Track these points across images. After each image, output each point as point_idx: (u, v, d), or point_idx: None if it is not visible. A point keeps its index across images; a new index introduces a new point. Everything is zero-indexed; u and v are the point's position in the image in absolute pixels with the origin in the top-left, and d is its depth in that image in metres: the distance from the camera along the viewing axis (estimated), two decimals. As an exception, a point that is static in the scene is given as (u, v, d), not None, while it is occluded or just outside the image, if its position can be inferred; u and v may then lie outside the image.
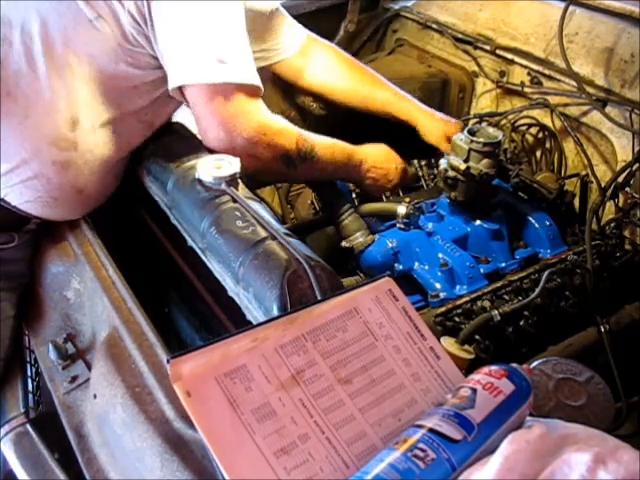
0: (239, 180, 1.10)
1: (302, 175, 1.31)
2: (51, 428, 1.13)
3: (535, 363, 0.94)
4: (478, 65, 1.73)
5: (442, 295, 1.18)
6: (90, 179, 1.20)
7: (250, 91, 1.14)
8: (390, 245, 1.25)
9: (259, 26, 1.39)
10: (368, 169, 1.37)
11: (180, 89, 1.12)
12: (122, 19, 1.09)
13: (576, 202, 1.47)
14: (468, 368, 0.92)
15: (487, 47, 1.70)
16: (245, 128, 1.14)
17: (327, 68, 1.52)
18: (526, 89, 1.60)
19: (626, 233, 1.34)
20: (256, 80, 1.13)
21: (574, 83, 1.45)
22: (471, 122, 1.66)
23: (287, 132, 1.21)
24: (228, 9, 1.10)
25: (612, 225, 1.33)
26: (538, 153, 1.60)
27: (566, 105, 1.51)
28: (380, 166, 1.39)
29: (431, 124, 1.50)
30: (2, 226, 1.19)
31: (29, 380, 1.26)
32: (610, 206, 1.37)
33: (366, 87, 1.53)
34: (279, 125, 1.20)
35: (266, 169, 1.25)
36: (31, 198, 1.16)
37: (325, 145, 1.27)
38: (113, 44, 1.11)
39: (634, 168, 1.31)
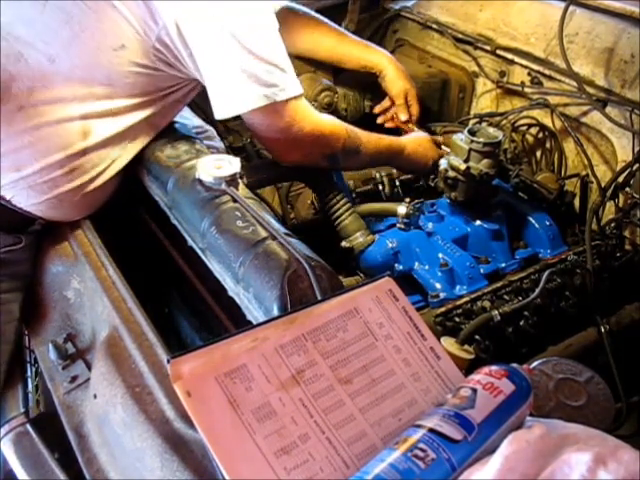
0: (239, 180, 1.10)
1: (342, 168, 1.40)
2: (51, 428, 1.13)
3: (535, 363, 0.94)
4: (478, 65, 1.73)
5: (442, 295, 1.18)
6: (95, 180, 1.21)
7: (296, 100, 1.17)
8: (390, 245, 1.25)
9: None
10: (406, 157, 1.42)
11: None
12: (148, 49, 1.09)
13: (576, 202, 1.47)
14: (468, 368, 0.92)
15: (487, 47, 1.70)
16: (299, 135, 1.19)
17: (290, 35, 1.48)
18: (526, 89, 1.60)
19: (626, 233, 1.34)
20: (299, 88, 1.16)
21: (574, 83, 1.45)
22: (471, 122, 1.66)
23: (337, 133, 1.26)
24: (265, 32, 1.11)
25: (612, 225, 1.33)
26: (538, 153, 1.60)
27: (566, 105, 1.51)
28: (419, 152, 1.44)
29: (397, 78, 1.56)
30: (8, 227, 1.19)
31: (29, 380, 1.26)
32: (610, 206, 1.37)
33: (332, 46, 1.57)
34: (329, 127, 1.25)
35: (308, 164, 1.30)
36: (37, 200, 1.17)
37: (370, 141, 1.32)
38: (134, 69, 1.12)
39: (634, 168, 1.31)
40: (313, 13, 1.56)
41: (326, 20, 1.56)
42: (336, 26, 1.58)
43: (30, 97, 1.11)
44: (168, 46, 1.09)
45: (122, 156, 1.22)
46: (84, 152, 1.16)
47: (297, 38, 1.52)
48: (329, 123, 1.26)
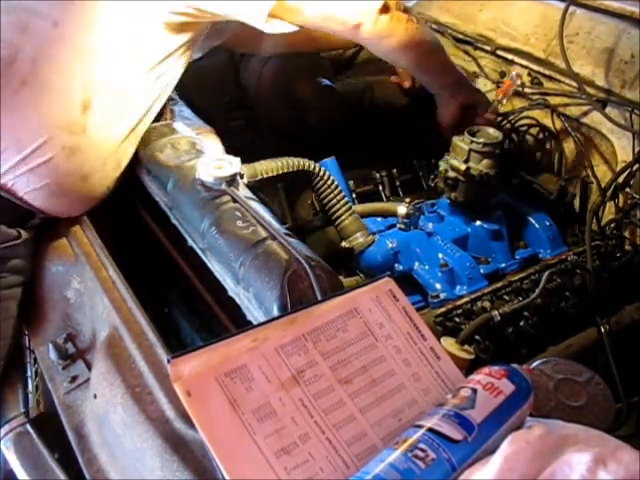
0: (239, 180, 1.10)
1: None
2: (51, 428, 1.13)
3: (535, 363, 0.94)
4: (478, 65, 1.73)
5: (442, 295, 1.17)
6: (95, 165, 1.22)
7: None
8: (390, 245, 1.25)
9: None
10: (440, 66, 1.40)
11: None
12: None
13: (576, 202, 1.47)
14: (468, 368, 0.92)
15: (487, 47, 1.69)
16: None
17: None
18: (526, 89, 1.60)
19: (626, 234, 1.34)
20: None
21: (574, 83, 1.45)
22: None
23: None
24: None
25: (612, 226, 1.33)
26: (538, 153, 1.60)
27: (566, 105, 1.50)
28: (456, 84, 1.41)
29: None
30: (9, 221, 1.19)
31: (29, 380, 1.26)
32: (610, 206, 1.37)
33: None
34: None
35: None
36: (38, 186, 1.18)
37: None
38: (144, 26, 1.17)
39: (634, 168, 1.30)
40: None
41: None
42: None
43: (33, 69, 1.12)
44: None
45: (121, 133, 1.23)
46: (84, 128, 1.17)
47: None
48: None
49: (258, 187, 1.31)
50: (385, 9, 1.21)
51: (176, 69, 1.28)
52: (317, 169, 1.26)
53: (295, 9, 1.17)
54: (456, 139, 1.31)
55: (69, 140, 1.17)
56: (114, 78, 1.18)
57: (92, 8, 1.15)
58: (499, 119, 1.58)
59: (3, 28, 1.13)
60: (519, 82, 1.43)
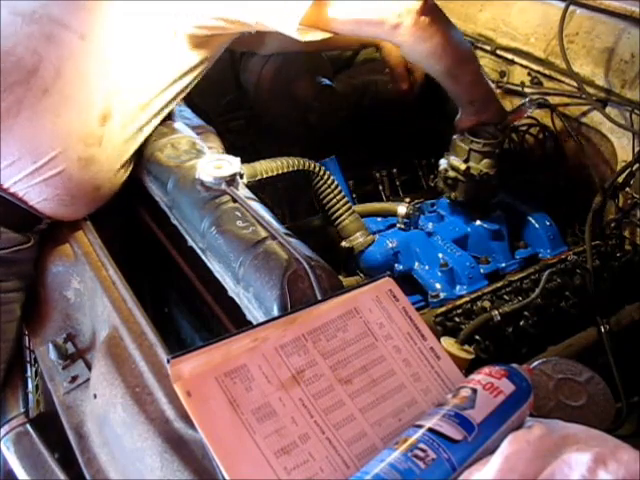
0: (239, 180, 1.10)
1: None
2: (51, 428, 1.13)
3: (535, 363, 0.94)
4: (478, 65, 1.73)
5: (442, 295, 1.18)
6: (108, 175, 1.22)
7: None
8: (390, 245, 1.25)
9: None
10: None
11: None
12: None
13: (576, 202, 1.46)
14: (468, 368, 0.92)
15: (487, 47, 1.69)
16: None
17: None
18: (526, 89, 1.60)
19: (626, 233, 1.34)
20: None
21: (574, 83, 1.45)
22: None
23: None
24: None
25: (612, 225, 1.33)
26: (538, 153, 1.60)
27: (566, 105, 1.51)
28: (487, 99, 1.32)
29: None
30: (17, 227, 1.19)
31: (29, 380, 1.27)
32: (610, 206, 1.37)
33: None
34: None
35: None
36: (49, 196, 1.17)
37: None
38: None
39: (634, 168, 1.30)
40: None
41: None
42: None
43: (56, 79, 1.12)
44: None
45: (134, 155, 1.24)
46: (100, 141, 1.17)
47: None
48: None
49: (258, 187, 1.32)
50: (427, 10, 1.10)
51: (193, 82, 1.28)
52: (317, 169, 1.26)
53: (329, 14, 1.07)
54: (456, 138, 1.31)
55: (84, 152, 1.16)
56: (135, 92, 1.19)
57: (119, 23, 1.16)
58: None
59: (28, 36, 1.13)
60: (532, 110, 1.41)
